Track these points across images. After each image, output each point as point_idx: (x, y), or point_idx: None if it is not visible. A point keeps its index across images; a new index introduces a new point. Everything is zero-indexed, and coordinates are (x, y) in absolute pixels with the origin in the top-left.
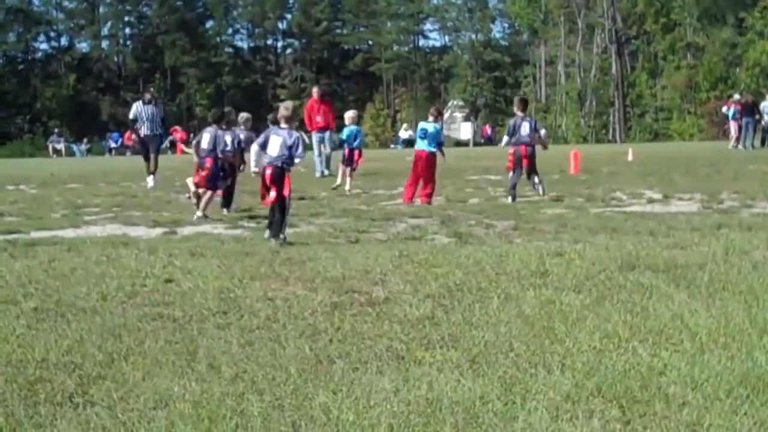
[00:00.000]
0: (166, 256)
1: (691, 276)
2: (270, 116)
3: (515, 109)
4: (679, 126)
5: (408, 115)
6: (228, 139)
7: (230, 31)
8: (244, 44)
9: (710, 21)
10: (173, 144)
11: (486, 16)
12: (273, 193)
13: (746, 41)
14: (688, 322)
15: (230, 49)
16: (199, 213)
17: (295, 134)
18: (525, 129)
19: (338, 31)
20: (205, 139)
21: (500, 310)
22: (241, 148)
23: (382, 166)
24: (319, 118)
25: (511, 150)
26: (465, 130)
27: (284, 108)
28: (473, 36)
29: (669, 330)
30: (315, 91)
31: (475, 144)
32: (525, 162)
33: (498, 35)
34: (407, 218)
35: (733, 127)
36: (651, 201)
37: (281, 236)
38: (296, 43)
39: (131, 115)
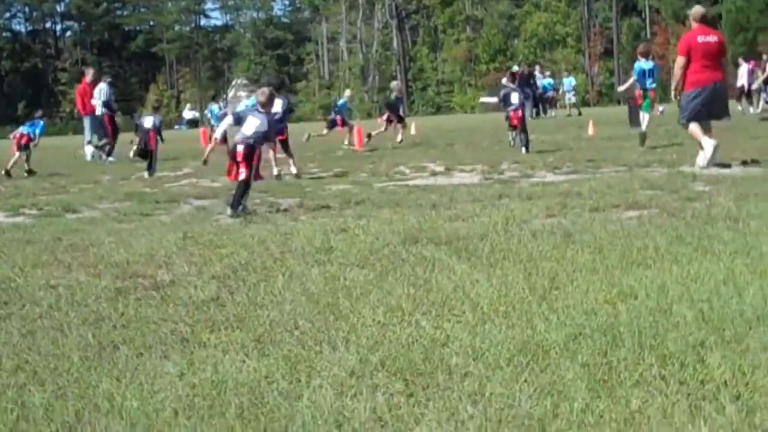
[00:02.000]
0: None
1: (473, 247)
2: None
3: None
4: (461, 99)
5: (192, 96)
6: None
7: (7, 15)
8: (21, 28)
9: None
10: None
11: None
12: (242, 170)
13: (523, 13)
14: (469, 292)
15: (8, 34)
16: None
17: (270, 118)
18: (515, 98)
19: (118, 12)
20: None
21: (285, 288)
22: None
23: (166, 148)
24: (94, 102)
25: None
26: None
27: (261, 94)
28: (255, 14)
29: (451, 301)
30: (90, 72)
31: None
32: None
33: (280, 13)
34: (192, 200)
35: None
36: (434, 174)
37: (239, 207)
38: (75, 25)
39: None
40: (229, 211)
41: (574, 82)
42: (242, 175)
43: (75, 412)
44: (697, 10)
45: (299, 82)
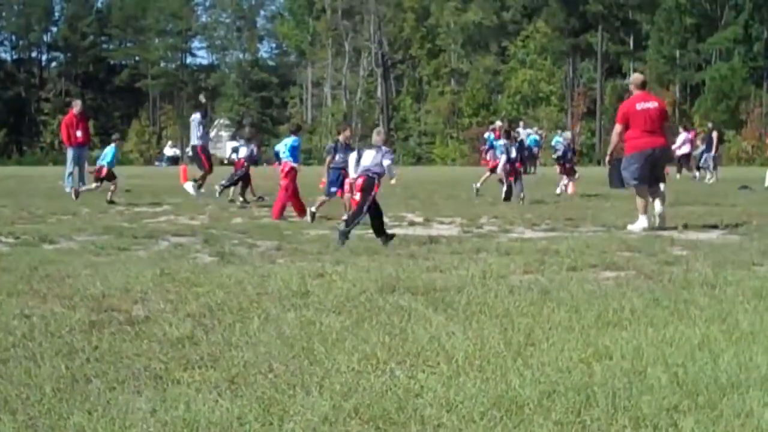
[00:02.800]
0: None
1: (450, 299)
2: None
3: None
4: (442, 150)
5: (173, 132)
6: None
7: None
8: (7, 56)
9: (474, 48)
10: None
11: (254, 35)
12: (357, 196)
13: (508, 69)
14: (445, 344)
15: None
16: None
17: (384, 150)
18: (513, 152)
19: (105, 45)
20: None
21: (260, 330)
22: None
23: (146, 184)
24: (79, 134)
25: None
26: (230, 149)
27: (377, 134)
28: (241, 55)
29: (426, 352)
30: (78, 104)
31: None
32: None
33: (266, 55)
34: (170, 236)
35: (491, 153)
36: (412, 224)
37: (387, 234)
38: (61, 56)
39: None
40: (342, 226)
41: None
42: (355, 199)
43: None
44: (637, 77)
45: (281, 126)
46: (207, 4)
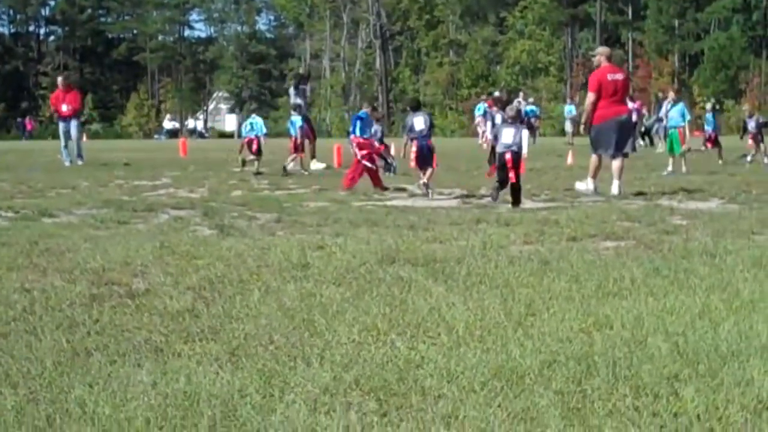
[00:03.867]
0: None
1: (450, 270)
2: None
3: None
4: (441, 122)
5: (172, 106)
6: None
7: None
8: (5, 30)
9: (472, 19)
10: None
11: (252, 8)
12: (512, 173)
13: (507, 40)
14: (445, 315)
15: None
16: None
17: (521, 127)
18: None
19: (103, 19)
20: (419, 122)
21: (261, 302)
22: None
23: (145, 157)
24: (64, 107)
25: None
26: (230, 122)
27: (510, 110)
28: (239, 28)
29: (427, 323)
30: (60, 80)
31: (240, 136)
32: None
33: (264, 27)
34: (170, 209)
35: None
36: (412, 195)
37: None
38: (59, 30)
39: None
40: (512, 206)
41: (574, 111)
42: (510, 176)
43: (46, 416)
44: (606, 49)
45: (281, 98)
46: None
